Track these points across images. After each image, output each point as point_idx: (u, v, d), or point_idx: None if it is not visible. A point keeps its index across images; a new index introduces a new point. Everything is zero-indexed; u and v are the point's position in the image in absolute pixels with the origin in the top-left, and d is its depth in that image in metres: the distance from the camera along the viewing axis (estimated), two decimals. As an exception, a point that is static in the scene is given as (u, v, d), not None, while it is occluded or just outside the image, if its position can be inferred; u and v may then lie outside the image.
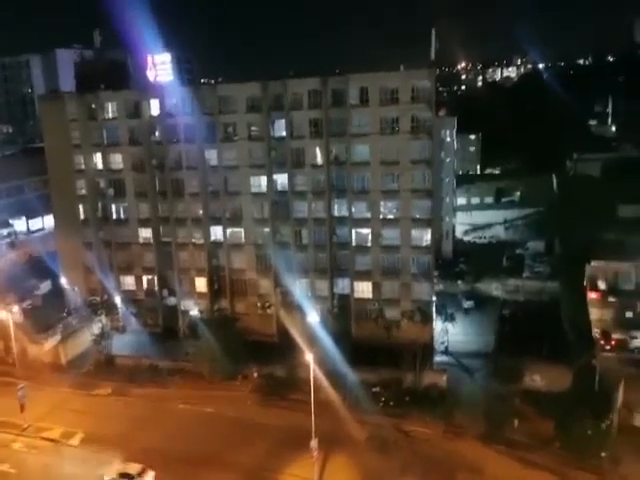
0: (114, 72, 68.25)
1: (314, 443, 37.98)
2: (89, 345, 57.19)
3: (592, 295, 57.96)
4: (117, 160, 61.53)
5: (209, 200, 59.47)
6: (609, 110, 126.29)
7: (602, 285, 58.98)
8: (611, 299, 57.62)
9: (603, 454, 37.69)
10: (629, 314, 55.14)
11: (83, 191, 63.15)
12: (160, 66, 62.97)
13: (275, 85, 55.12)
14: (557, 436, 39.90)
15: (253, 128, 56.95)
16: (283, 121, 55.34)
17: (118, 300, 61.87)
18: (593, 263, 60.25)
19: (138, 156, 60.67)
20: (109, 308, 60.46)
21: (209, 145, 58.02)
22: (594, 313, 53.88)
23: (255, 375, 50.89)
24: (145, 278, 63.25)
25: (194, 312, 60.52)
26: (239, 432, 43.40)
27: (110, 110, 61.16)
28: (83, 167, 62.49)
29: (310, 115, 54.30)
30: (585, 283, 59.70)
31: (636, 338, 49.84)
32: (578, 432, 38.45)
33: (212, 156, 58.44)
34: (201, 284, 61.12)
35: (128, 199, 61.94)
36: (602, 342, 46.32)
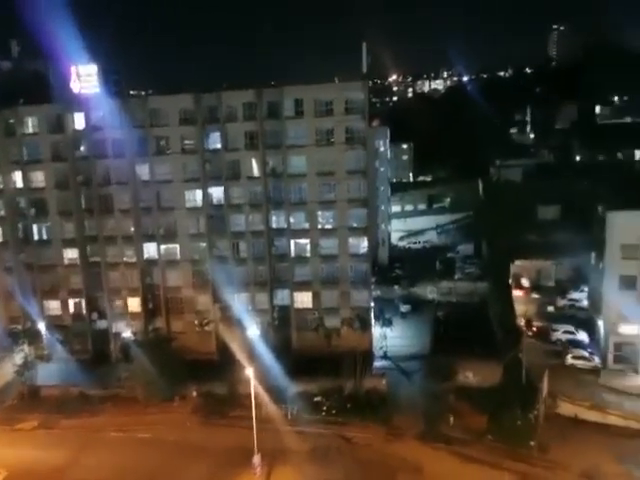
0: (34, 84, 65.04)
1: (257, 459, 37.65)
2: (11, 377, 53.37)
3: (517, 293, 61.89)
4: (39, 178, 58.36)
5: (141, 216, 57.71)
6: (528, 119, 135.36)
7: (526, 283, 63.20)
8: (534, 295, 61.88)
9: (532, 443, 39.96)
10: (550, 308, 59.39)
11: (1, 212, 59.36)
12: (85, 78, 60.71)
13: (209, 97, 54.71)
14: (490, 429, 41.90)
15: (187, 141, 56.09)
16: (218, 134, 54.95)
17: (42, 327, 58.51)
18: (517, 262, 64.43)
19: (62, 172, 57.91)
20: (32, 336, 56.83)
21: (140, 159, 56.49)
22: (519, 309, 57.39)
23: (194, 395, 49.63)
24: (72, 302, 60.11)
25: (127, 334, 58.39)
26: (178, 455, 41.90)
27: (30, 125, 58.02)
28: (1, 186, 58.78)
29: (245, 127, 54.30)
30: (510, 282, 63.57)
31: (557, 331, 53.44)
32: (508, 423, 40.65)
33: (143, 171, 56.94)
34: (134, 304, 58.96)
35: (51, 218, 58.81)
36: (525, 329, 49.42)
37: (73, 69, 60.94)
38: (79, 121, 57.15)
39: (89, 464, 41.83)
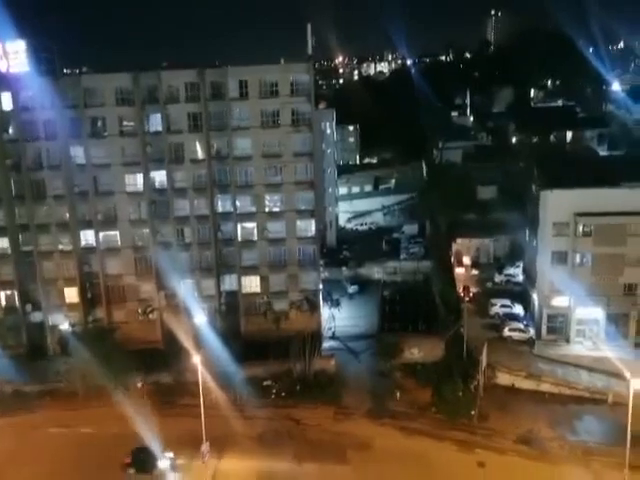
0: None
1: (205, 447, 37.36)
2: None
3: (458, 270, 64.40)
4: (-39, 162, 54.30)
5: (76, 202, 55.04)
6: (467, 102, 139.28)
7: (466, 260, 65.86)
8: (474, 272, 64.65)
9: (472, 412, 42.15)
10: (489, 284, 62.30)
11: None
12: (13, 55, 56.23)
13: (148, 76, 52.48)
14: (433, 402, 43.74)
15: (125, 123, 53.83)
16: (159, 115, 52.91)
17: (-30, 321, 55.15)
18: (458, 241, 66.89)
19: (-12, 156, 54.10)
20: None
21: (75, 141, 53.73)
22: (460, 286, 59.71)
23: (139, 385, 48.50)
24: (3, 294, 56.73)
25: (65, 326, 55.88)
26: (123, 449, 40.56)
27: (-51, 106, 53.61)
28: None
29: (188, 108, 52.60)
30: (452, 260, 65.96)
31: (495, 305, 56.11)
32: (451, 395, 42.62)
33: (78, 153, 54.16)
34: (72, 295, 56.37)
35: (-22, 205, 54.98)
36: (463, 294, 51.49)
37: (-1, 46, 56.12)
38: (6, 101, 53.36)
39: (27, 463, 40.16)
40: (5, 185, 54.55)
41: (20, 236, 55.78)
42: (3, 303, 56.89)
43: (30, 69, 55.67)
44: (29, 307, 56.77)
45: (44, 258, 55.74)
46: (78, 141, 53.43)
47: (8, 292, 56.66)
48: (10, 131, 54.31)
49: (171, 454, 39.26)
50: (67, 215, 55.13)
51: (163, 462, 38.86)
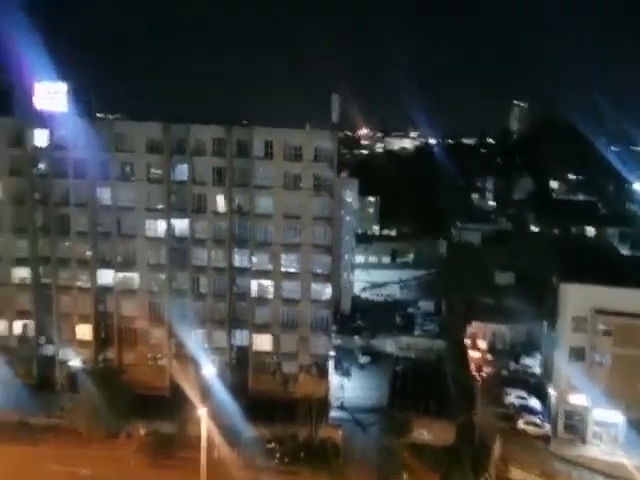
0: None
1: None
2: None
3: (473, 353, 62.62)
4: (-7, 190, 55.53)
5: (99, 241, 55.56)
6: (488, 186, 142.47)
7: (482, 344, 64.14)
8: (489, 357, 62.70)
9: (483, 508, 39.22)
10: (504, 372, 60.07)
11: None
12: (53, 95, 59.15)
13: (177, 128, 54.24)
14: (442, 489, 40.89)
15: (152, 170, 55.08)
16: (185, 166, 54.24)
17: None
18: (474, 324, 65.57)
19: (18, 188, 55.25)
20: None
21: (102, 182, 54.84)
22: (475, 370, 57.68)
23: (141, 432, 46.76)
24: (19, 323, 56.32)
25: (75, 362, 55.00)
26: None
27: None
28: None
29: (213, 162, 53.94)
30: (467, 342, 64.35)
31: (509, 395, 53.71)
32: (460, 486, 39.84)
33: (105, 195, 55.20)
34: (85, 332, 55.82)
35: (3, 234, 55.63)
36: (476, 373, 49.24)
37: (39, 85, 59.31)
38: (40, 138, 55.14)
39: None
40: (31, 217, 55.47)
41: (41, 268, 56.05)
42: (18, 332, 56.29)
43: (67, 110, 58.24)
44: (42, 339, 56.21)
45: (62, 292, 55.67)
46: (105, 182, 54.66)
47: (24, 322, 56.27)
48: (41, 166, 55.86)
49: None
50: (88, 253, 55.56)
51: None
